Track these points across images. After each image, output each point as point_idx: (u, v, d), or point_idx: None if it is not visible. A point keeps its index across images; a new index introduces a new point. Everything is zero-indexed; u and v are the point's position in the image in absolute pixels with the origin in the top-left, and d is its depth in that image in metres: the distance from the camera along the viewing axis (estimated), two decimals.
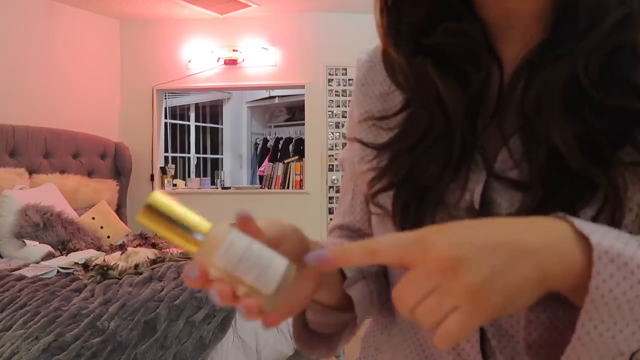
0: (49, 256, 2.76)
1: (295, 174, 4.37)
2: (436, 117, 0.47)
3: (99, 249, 3.01)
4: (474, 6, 0.47)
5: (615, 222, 0.40)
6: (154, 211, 0.37)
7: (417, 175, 0.48)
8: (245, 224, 0.37)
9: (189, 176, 5.83)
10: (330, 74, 4.23)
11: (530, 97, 0.42)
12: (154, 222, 0.37)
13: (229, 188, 4.67)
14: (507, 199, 0.44)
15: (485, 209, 0.45)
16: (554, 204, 0.40)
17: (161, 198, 0.37)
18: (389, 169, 0.50)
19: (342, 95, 4.26)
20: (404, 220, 0.48)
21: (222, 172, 5.31)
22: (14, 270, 2.35)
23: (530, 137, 0.43)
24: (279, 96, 6.13)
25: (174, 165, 4.66)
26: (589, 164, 0.40)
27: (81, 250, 2.89)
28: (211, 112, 6.46)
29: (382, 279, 0.57)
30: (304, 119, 4.40)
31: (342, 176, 0.66)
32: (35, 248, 2.82)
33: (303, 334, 0.55)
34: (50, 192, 3.24)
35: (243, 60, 4.28)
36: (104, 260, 2.50)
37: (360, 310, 0.51)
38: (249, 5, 3.98)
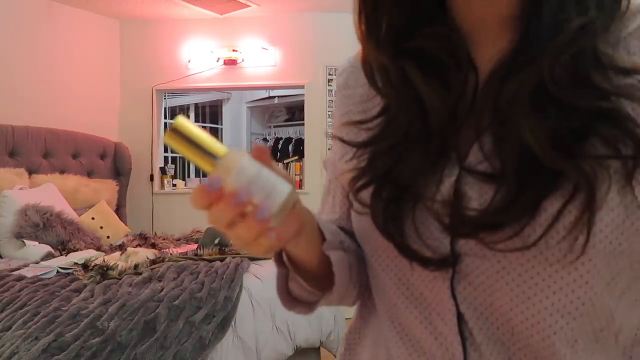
0: (48, 256, 2.75)
1: (295, 174, 4.37)
2: (415, 120, 0.50)
3: (98, 249, 3.01)
4: (450, 13, 0.51)
5: (591, 213, 0.42)
6: (179, 133, 0.41)
7: (396, 174, 0.51)
8: (260, 153, 0.43)
9: (188, 176, 5.83)
10: (330, 74, 4.23)
11: (504, 98, 0.45)
12: (178, 143, 0.41)
13: None
14: (477, 191, 0.47)
15: (457, 202, 0.48)
16: (522, 194, 0.44)
17: (186, 123, 0.42)
18: (369, 168, 0.53)
19: None
20: (384, 217, 0.51)
21: None
22: (13, 271, 2.35)
23: (501, 134, 0.46)
24: (278, 96, 6.13)
25: (173, 165, 4.66)
26: (559, 158, 0.42)
27: (81, 250, 2.89)
28: (211, 112, 6.46)
29: (362, 264, 0.60)
30: (303, 119, 4.40)
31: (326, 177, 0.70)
32: (35, 248, 2.82)
33: (286, 297, 0.61)
34: (50, 192, 3.23)
35: (243, 60, 4.28)
36: (104, 260, 2.50)
37: (338, 272, 0.55)
38: (249, 5, 3.98)
